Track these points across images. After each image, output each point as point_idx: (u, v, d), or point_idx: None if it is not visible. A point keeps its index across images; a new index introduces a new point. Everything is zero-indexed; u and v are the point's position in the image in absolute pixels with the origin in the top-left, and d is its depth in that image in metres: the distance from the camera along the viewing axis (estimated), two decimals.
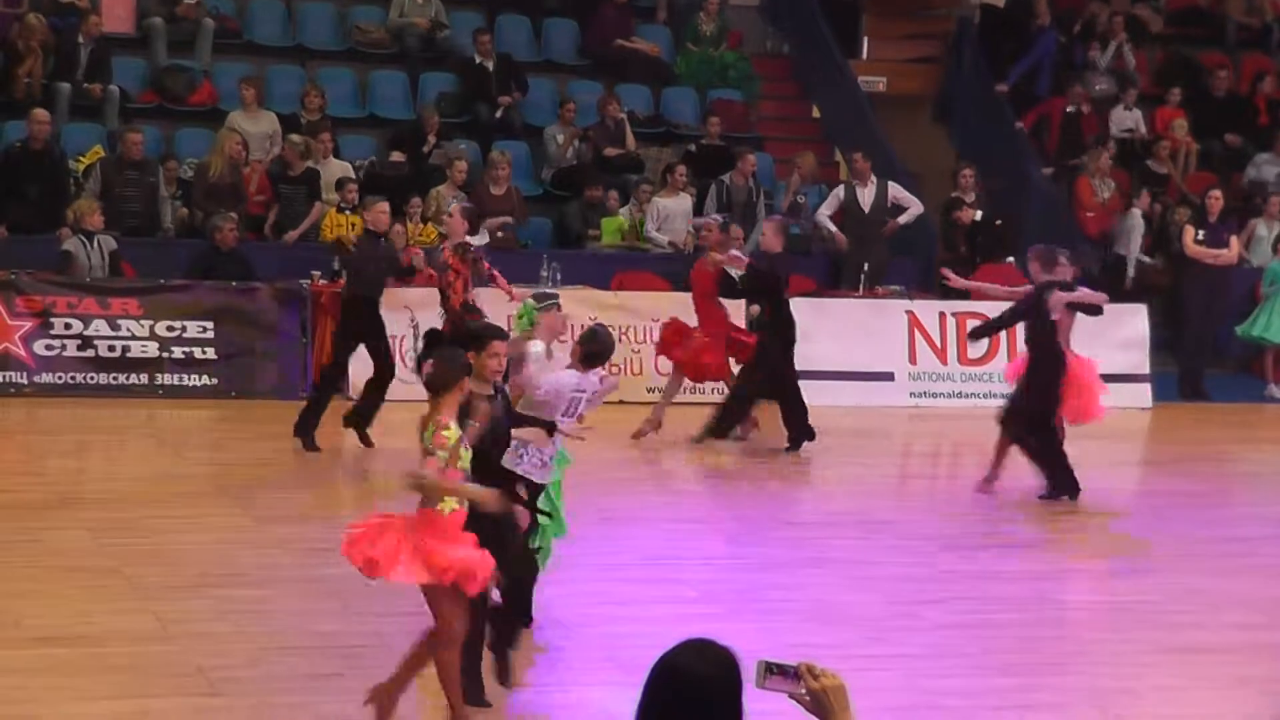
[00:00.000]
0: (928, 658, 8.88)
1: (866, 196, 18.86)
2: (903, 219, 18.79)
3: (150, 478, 12.82)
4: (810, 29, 22.09)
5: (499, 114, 19.91)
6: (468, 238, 13.51)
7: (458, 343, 12.82)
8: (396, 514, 7.30)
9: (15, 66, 18.33)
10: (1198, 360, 19.04)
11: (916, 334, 17.66)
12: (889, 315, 17.75)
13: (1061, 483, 12.88)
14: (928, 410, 17.39)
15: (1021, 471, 13.03)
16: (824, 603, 9.86)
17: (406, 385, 14.69)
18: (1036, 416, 12.85)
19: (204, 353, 16.23)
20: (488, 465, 7.63)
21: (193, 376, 16.16)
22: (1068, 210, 20.36)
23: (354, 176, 18.26)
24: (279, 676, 8.08)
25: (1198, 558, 11.45)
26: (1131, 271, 19.97)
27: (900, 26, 23.71)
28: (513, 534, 7.85)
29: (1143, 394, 18.17)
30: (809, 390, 17.27)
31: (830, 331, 17.51)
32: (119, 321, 16.00)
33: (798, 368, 17.39)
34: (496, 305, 14.26)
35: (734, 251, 15.07)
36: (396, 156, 18.81)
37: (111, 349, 15.97)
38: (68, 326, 15.89)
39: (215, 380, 16.18)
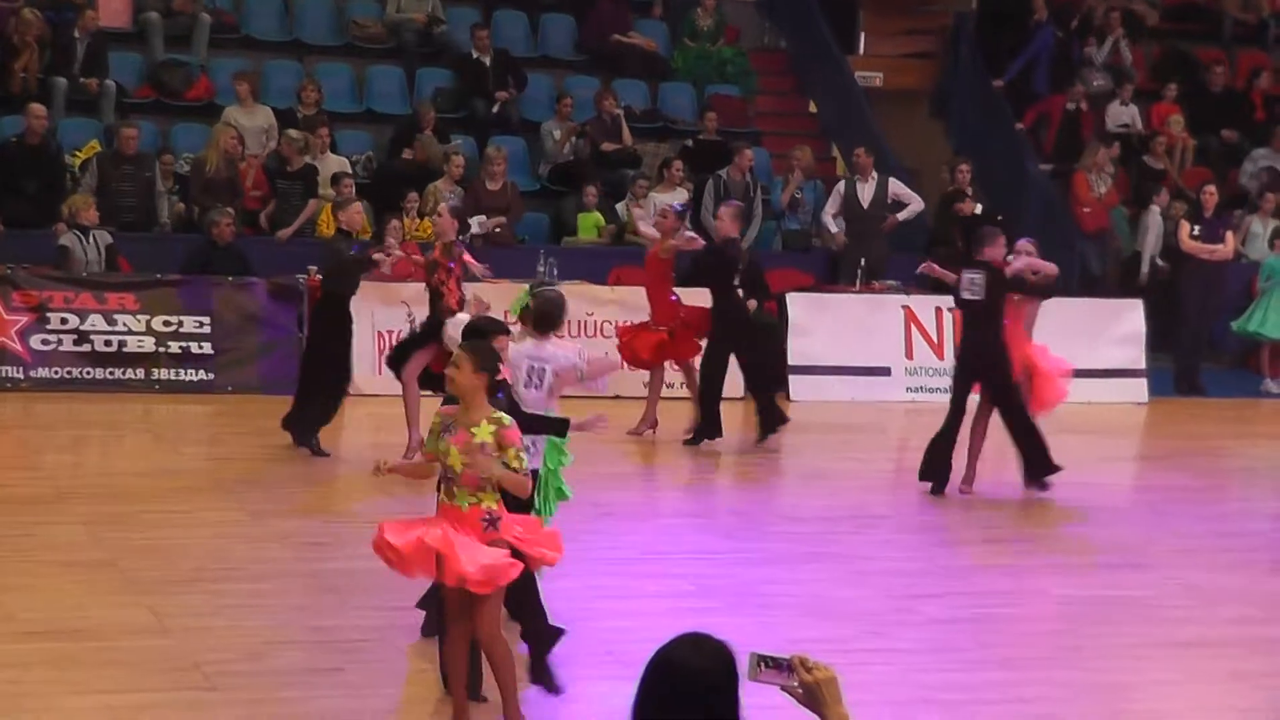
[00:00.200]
0: (924, 652, 8.89)
1: (866, 192, 18.85)
2: (903, 215, 18.78)
3: (146, 472, 12.82)
4: (807, 24, 22.09)
5: (496, 109, 19.90)
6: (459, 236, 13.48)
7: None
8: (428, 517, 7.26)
9: (11, 61, 18.31)
10: (1194, 355, 19.04)
11: (913, 329, 17.67)
12: (886, 310, 17.76)
13: (1035, 463, 12.81)
14: (924, 405, 17.36)
15: (1014, 474, 13.01)
16: (821, 597, 9.87)
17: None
18: (998, 399, 12.74)
19: (200, 348, 16.22)
20: None
21: (189, 371, 16.15)
22: (1064, 206, 20.36)
23: (350, 172, 18.25)
24: (276, 671, 8.08)
25: (1193, 552, 11.46)
26: (1145, 269, 19.98)
27: (897, 22, 23.70)
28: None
29: (1139, 389, 18.19)
30: (807, 385, 17.36)
31: (828, 326, 17.54)
32: (115, 316, 15.98)
33: (795, 363, 17.48)
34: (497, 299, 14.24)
35: (690, 234, 15.03)
36: (407, 154, 18.75)
37: (108, 344, 15.96)
38: (64, 321, 15.88)
39: (211, 375, 16.18)
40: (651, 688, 3.85)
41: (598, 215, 18.77)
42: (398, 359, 13.34)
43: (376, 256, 13.64)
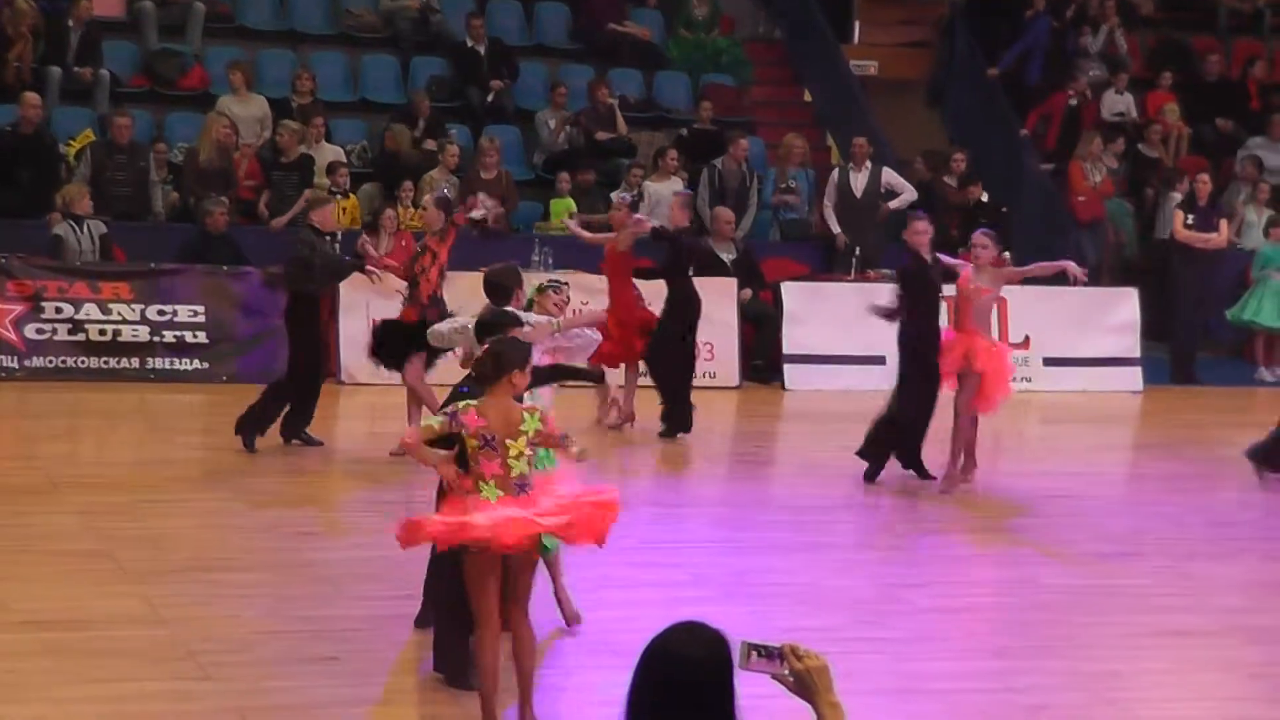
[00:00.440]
0: (916, 641, 8.91)
1: (859, 181, 18.86)
2: (895, 204, 18.78)
3: (141, 462, 12.83)
4: (802, 13, 22.08)
5: (490, 98, 19.89)
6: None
7: (415, 334, 12.60)
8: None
9: (5, 50, 18.28)
10: (1188, 344, 19.05)
11: None
12: (880, 300, 17.71)
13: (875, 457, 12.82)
14: None
15: (1007, 462, 13.03)
16: (814, 586, 9.88)
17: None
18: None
19: (195, 337, 16.22)
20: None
21: (183, 361, 16.15)
22: (1060, 195, 20.35)
23: (345, 161, 18.24)
24: (270, 660, 8.08)
25: (1187, 542, 11.47)
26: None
27: (892, 11, 23.69)
28: None
29: (1133, 378, 18.20)
30: (803, 374, 17.36)
31: (823, 316, 17.54)
32: (110, 306, 15.98)
33: (790, 352, 17.48)
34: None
35: (638, 216, 14.89)
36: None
37: (102, 333, 15.96)
38: (59, 311, 15.87)
39: (206, 364, 16.18)
40: (647, 676, 3.86)
41: (569, 202, 18.74)
42: (389, 356, 13.10)
43: (370, 267, 13.56)
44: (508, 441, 7.04)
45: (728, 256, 17.82)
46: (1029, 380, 17.77)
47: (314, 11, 20.60)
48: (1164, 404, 17.76)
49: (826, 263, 19.01)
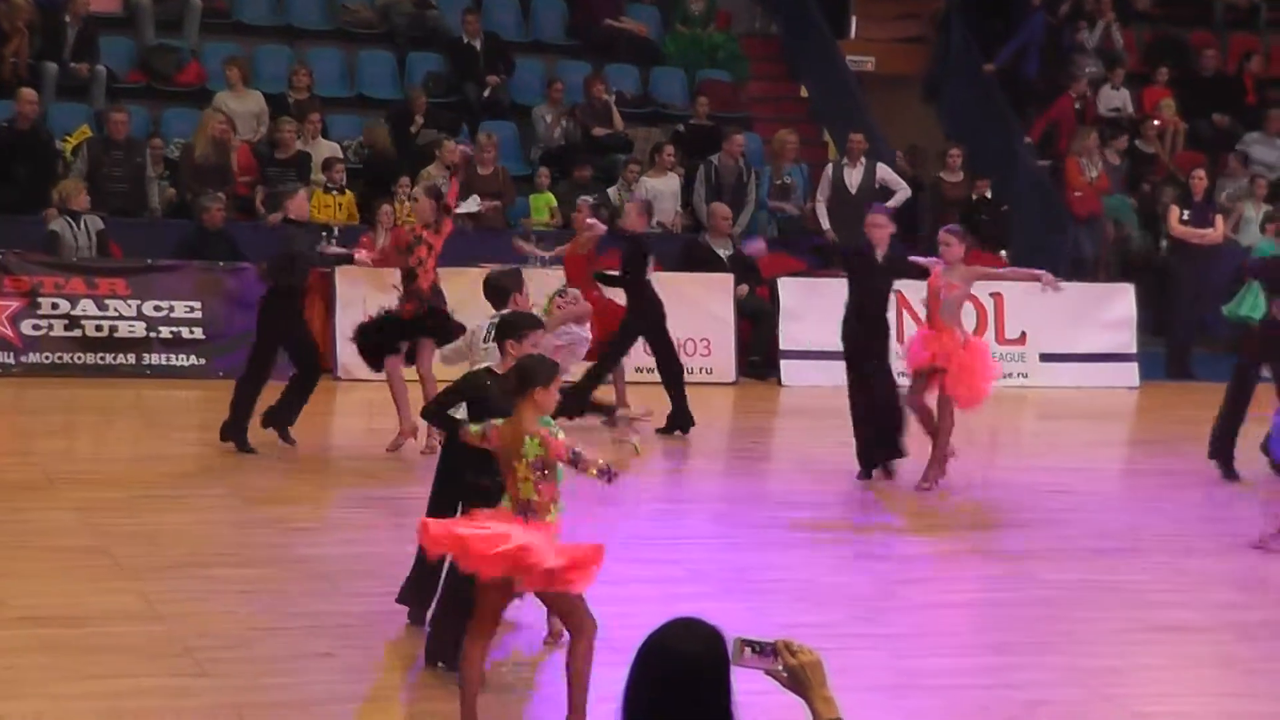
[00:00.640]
0: (914, 637, 8.91)
1: (854, 177, 18.86)
2: (890, 203, 18.75)
3: (137, 458, 12.82)
4: (799, 9, 22.07)
5: (487, 94, 19.89)
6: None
7: (418, 326, 12.63)
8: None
9: (1, 46, 18.28)
10: (1186, 340, 19.06)
11: (904, 314, 17.66)
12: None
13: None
14: None
15: (1004, 458, 13.03)
16: (812, 582, 9.88)
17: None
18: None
19: (191, 332, 16.22)
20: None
21: (180, 356, 16.15)
22: (1057, 191, 20.35)
23: (342, 157, 18.23)
24: (267, 657, 8.08)
25: (1184, 537, 11.48)
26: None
27: (888, 6, 23.70)
28: None
29: (1130, 373, 18.22)
30: (800, 370, 17.35)
31: (819, 312, 17.48)
32: (106, 301, 15.98)
33: (786, 348, 17.48)
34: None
35: (590, 219, 14.84)
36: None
37: (99, 329, 15.95)
38: (55, 306, 15.87)
39: (202, 360, 16.18)
40: (643, 673, 3.86)
41: (549, 196, 18.73)
42: (372, 350, 13.01)
43: (359, 256, 13.57)
44: (514, 463, 6.96)
45: (724, 252, 17.83)
46: (1025, 375, 17.80)
47: (310, 7, 20.60)
48: (1160, 399, 17.77)
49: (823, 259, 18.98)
